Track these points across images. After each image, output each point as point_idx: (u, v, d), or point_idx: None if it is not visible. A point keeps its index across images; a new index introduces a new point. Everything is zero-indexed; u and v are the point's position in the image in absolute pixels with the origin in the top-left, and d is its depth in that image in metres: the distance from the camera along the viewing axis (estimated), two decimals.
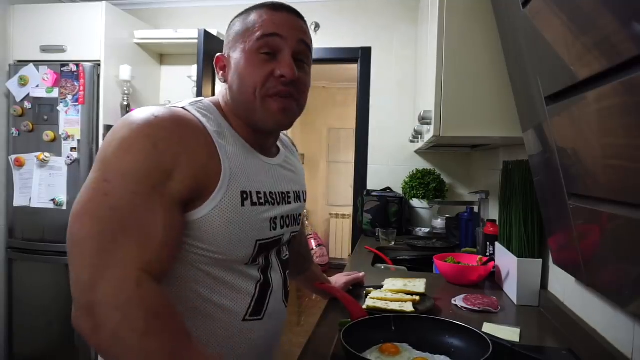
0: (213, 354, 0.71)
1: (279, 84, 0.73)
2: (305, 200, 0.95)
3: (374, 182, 2.66)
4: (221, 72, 0.80)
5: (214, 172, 0.69)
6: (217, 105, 0.79)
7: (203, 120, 0.71)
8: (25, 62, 2.37)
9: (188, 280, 0.71)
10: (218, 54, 0.81)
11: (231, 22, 0.80)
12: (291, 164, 0.92)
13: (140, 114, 0.66)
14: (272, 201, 0.79)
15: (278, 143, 0.91)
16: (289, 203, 0.85)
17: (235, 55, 0.76)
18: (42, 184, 2.33)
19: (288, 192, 0.86)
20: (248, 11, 0.77)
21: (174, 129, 0.66)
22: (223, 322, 0.73)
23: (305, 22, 0.79)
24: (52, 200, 2.32)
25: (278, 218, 0.81)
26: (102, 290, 0.56)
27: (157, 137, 0.63)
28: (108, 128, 2.38)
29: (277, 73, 0.73)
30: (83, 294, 0.57)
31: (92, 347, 0.58)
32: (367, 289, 1.23)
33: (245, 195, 0.73)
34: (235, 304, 0.74)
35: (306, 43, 0.77)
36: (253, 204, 0.74)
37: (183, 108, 0.71)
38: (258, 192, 0.76)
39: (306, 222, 5.00)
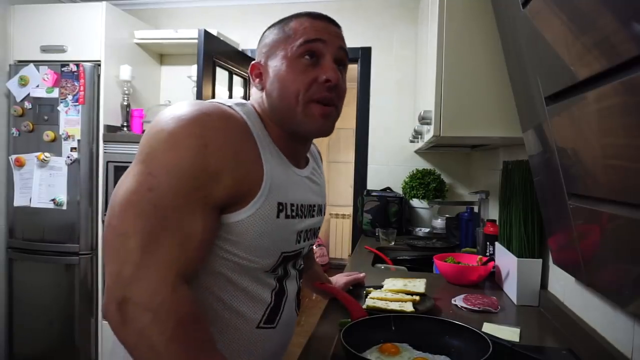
0: None
1: (324, 89, 0.73)
2: (324, 214, 0.94)
3: (374, 182, 2.66)
4: (257, 80, 0.79)
5: (256, 179, 0.68)
6: (255, 111, 0.78)
7: (249, 123, 0.71)
8: (25, 62, 2.37)
9: (207, 283, 0.70)
10: (253, 62, 0.80)
11: (265, 32, 0.80)
12: (317, 175, 0.91)
13: (188, 109, 0.64)
14: (302, 214, 0.79)
15: (307, 153, 0.89)
16: (313, 216, 0.85)
17: (274, 63, 0.75)
18: (42, 184, 2.33)
19: (314, 205, 0.85)
20: (286, 20, 0.78)
21: (224, 129, 0.65)
22: (237, 328, 0.73)
23: (341, 30, 0.81)
24: (52, 200, 2.32)
25: (303, 231, 0.80)
26: (138, 288, 0.57)
27: (207, 137, 0.62)
28: (108, 128, 2.38)
29: (321, 78, 0.73)
30: (118, 287, 0.57)
31: (119, 339, 0.60)
32: (367, 289, 1.23)
33: (281, 207, 0.72)
34: (251, 310, 0.74)
35: (345, 50, 0.78)
36: (287, 216, 0.74)
37: (230, 107, 0.70)
38: (292, 205, 0.76)
39: None
